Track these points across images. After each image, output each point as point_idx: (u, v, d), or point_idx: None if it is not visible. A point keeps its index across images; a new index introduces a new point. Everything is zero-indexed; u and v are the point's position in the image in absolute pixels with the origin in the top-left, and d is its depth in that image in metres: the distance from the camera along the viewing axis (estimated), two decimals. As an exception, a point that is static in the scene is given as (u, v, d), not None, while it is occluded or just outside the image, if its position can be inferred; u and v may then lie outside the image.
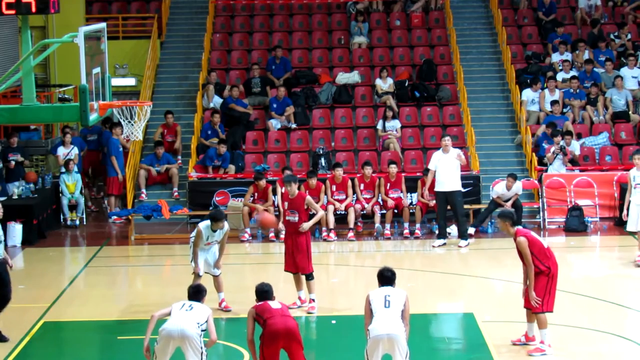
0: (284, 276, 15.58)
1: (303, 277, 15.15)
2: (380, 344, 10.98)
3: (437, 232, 20.22)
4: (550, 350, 12.81)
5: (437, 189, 19.84)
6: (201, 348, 11.18)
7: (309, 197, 15.28)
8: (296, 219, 15.03)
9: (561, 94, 24.72)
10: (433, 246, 19.88)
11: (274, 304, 11.31)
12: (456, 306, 15.96)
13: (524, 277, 12.88)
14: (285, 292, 15.68)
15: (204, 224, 14.68)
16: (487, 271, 17.70)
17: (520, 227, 12.88)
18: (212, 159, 23.11)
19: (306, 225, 14.99)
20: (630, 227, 17.94)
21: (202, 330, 11.22)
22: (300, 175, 21.67)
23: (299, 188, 15.55)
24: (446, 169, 19.66)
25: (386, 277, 11.61)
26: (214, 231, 14.66)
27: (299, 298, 15.28)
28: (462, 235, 19.98)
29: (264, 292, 11.44)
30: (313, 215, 15.28)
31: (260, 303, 11.33)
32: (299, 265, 15.04)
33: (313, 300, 15.12)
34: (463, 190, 20.66)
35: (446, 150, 19.75)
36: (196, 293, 11.64)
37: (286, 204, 15.23)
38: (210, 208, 22.11)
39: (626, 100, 24.63)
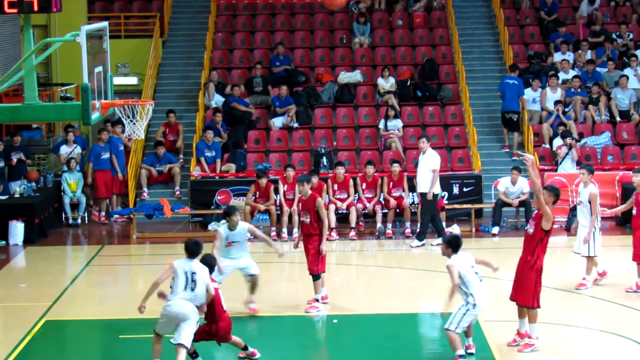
0: (286, 276, 15.60)
1: (323, 275, 15.15)
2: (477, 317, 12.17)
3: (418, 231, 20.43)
4: (539, 342, 12.80)
5: (417, 189, 20.18)
6: (197, 323, 12.03)
7: (319, 200, 15.08)
8: (308, 220, 14.99)
9: (563, 92, 24.73)
10: (410, 246, 20.03)
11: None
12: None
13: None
14: (287, 290, 15.70)
15: (223, 224, 14.61)
16: (489, 271, 17.67)
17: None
18: (202, 150, 23.14)
19: (324, 248, 14.92)
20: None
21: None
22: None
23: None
24: (421, 170, 19.88)
25: (460, 245, 12.48)
26: (232, 230, 14.55)
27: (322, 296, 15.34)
28: (419, 235, 20.05)
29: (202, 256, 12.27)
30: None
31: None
32: (307, 264, 15.03)
33: (317, 300, 15.12)
34: (465, 190, 21.32)
35: (423, 152, 19.98)
36: (198, 247, 12.15)
37: (300, 204, 15.25)
38: (212, 207, 22.15)
39: (630, 101, 24.62)
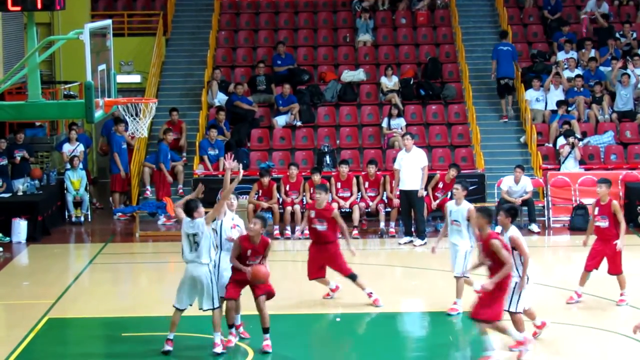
0: (288, 275, 15.58)
1: (327, 279, 15.42)
2: None
3: (404, 229, 20.44)
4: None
5: (400, 187, 20.14)
6: (212, 282, 12.63)
7: (336, 212, 15.24)
8: (325, 227, 15.13)
9: (566, 88, 24.75)
10: (399, 243, 20.09)
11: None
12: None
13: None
14: (289, 289, 15.69)
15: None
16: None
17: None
18: (206, 148, 23.16)
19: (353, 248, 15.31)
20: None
21: (211, 261, 12.75)
22: (305, 172, 21.72)
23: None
24: (408, 168, 19.87)
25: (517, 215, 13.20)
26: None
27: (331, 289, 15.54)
28: (420, 234, 20.09)
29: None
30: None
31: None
32: (341, 271, 15.23)
33: (371, 293, 15.30)
34: (469, 188, 20.88)
35: (408, 149, 19.98)
36: (194, 205, 12.68)
37: (312, 212, 15.23)
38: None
39: (632, 100, 24.56)
